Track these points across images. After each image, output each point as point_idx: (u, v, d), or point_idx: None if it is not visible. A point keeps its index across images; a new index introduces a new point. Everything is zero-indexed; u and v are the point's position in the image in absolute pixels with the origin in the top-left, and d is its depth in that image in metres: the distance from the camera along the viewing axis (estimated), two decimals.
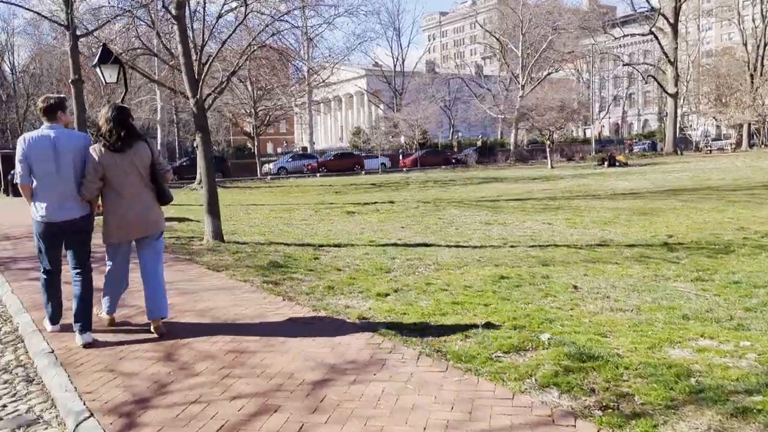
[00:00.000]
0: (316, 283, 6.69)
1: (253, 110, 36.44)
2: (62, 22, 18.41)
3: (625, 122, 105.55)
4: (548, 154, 34.72)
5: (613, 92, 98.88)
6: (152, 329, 4.90)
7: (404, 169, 44.43)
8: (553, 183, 22.78)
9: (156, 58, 34.79)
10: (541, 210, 14.56)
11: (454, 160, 51.90)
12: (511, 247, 9.18)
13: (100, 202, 4.93)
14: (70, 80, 18.24)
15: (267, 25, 26.29)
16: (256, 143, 40.01)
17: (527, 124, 38.46)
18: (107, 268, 4.99)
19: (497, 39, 58.28)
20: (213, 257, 8.41)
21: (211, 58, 10.43)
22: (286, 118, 65.79)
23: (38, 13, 19.13)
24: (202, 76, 10.08)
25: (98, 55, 9.76)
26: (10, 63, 56.40)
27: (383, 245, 9.67)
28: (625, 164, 31.48)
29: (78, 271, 4.78)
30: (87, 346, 4.63)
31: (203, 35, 11.28)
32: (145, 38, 27.02)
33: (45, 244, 4.81)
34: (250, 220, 14.22)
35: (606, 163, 31.74)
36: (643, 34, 43.86)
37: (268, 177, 39.27)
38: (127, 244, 4.96)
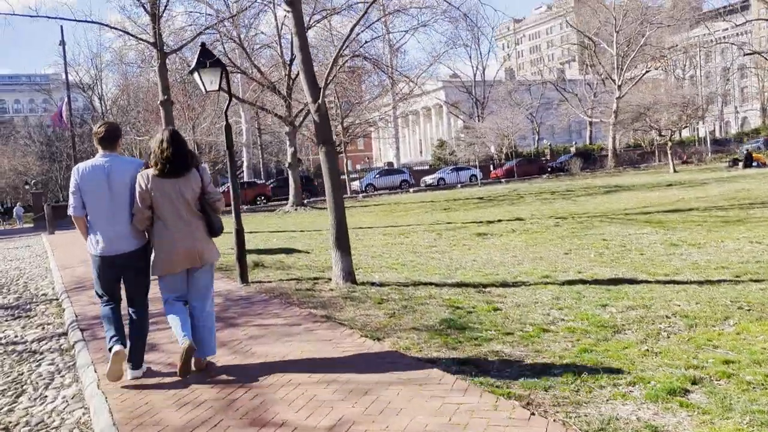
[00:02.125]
0: (537, 361, 4.30)
1: (341, 125, 34.68)
2: (149, 40, 17.13)
3: (721, 121, 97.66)
4: (670, 157, 30.98)
5: (709, 89, 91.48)
6: (193, 366, 4.52)
7: (502, 180, 41.57)
8: (699, 189, 19.47)
9: (240, 77, 34.02)
10: (722, 224, 11.63)
11: (549, 169, 48.53)
12: (755, 281, 6.51)
13: None
14: (158, 101, 16.86)
15: (358, 33, 24.44)
16: (345, 160, 38.29)
17: (642, 124, 34.73)
18: (166, 309, 4.60)
19: (590, 38, 54.43)
20: (356, 311, 6.16)
21: (339, 50, 8.20)
22: (366, 134, 64.54)
23: (126, 32, 17.94)
24: (327, 77, 7.95)
25: (196, 58, 7.84)
26: (98, 95, 57.82)
27: (567, 283, 7.20)
28: (765, 164, 27.45)
29: (134, 309, 4.62)
30: (135, 379, 4.51)
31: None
32: (229, 55, 25.91)
33: (102, 278, 4.58)
34: (368, 249, 12.03)
35: (741, 163, 27.81)
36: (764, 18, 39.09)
37: (360, 195, 37.42)
38: (181, 275, 4.61)
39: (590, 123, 70.21)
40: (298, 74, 25.66)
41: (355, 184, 42.61)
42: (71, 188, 4.49)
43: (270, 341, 5.18)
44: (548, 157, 56.24)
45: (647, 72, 56.52)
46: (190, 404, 3.95)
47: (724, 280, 6.76)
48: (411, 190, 39.56)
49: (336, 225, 7.75)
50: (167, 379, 4.52)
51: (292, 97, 25.13)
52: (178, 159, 4.45)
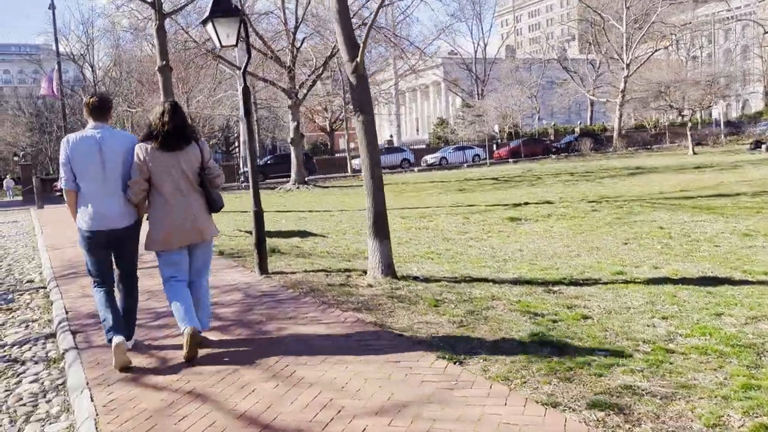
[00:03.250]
0: (696, 405, 3.17)
1: (342, 100, 33.17)
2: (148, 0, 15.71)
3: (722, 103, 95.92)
4: (689, 138, 29.77)
5: (717, 69, 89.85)
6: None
7: (509, 160, 40.33)
8: (734, 173, 18.34)
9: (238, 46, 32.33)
10: None
11: (555, 149, 47.24)
12: None
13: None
14: (156, 67, 15.51)
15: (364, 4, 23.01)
16: (345, 137, 36.87)
17: (662, 103, 33.40)
18: (165, 289, 4.43)
19: (600, 15, 52.77)
20: (411, 316, 4.99)
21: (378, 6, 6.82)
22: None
23: None
24: (367, 33, 6.66)
25: (210, 6, 6.55)
26: (90, 64, 55.91)
27: (650, 282, 6.08)
28: None
29: (124, 283, 4.49)
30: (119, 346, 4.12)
31: None
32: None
33: (93, 255, 4.38)
34: (393, 234, 10.85)
35: (764, 146, 26.71)
36: None
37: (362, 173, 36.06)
38: (180, 251, 4.42)
39: (591, 103, 68.91)
40: (302, 43, 24.24)
41: (355, 162, 41.25)
42: (61, 160, 4.29)
43: (316, 361, 4.02)
44: (552, 138, 54.86)
45: (656, 51, 55.05)
46: None
47: None
48: (416, 169, 38.27)
49: (374, 209, 6.56)
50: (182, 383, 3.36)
51: (295, 68, 23.71)
52: (178, 132, 4.31)
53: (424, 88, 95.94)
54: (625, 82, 49.80)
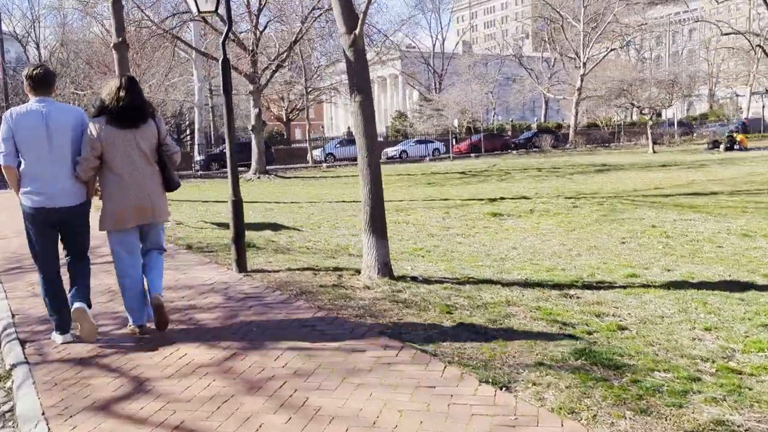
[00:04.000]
0: None
1: (304, 89, 32.18)
2: None
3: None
4: (650, 136, 30.00)
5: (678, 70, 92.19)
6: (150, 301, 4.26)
7: (471, 155, 40.10)
8: (702, 171, 18.35)
9: (194, 26, 30.96)
10: None
11: (513, 144, 47.52)
12: None
13: (98, 185, 4.30)
14: (112, 44, 14.34)
15: None
16: (307, 127, 35.88)
17: (624, 101, 33.64)
18: (116, 266, 4.34)
19: (558, 13, 53.15)
20: (427, 328, 4.34)
21: None
22: (320, 101, 61.70)
23: None
24: (368, 3, 5.92)
25: None
26: (36, 42, 53.06)
27: (670, 286, 5.63)
28: (746, 147, 26.81)
29: (75, 264, 4.24)
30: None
31: None
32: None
33: (38, 237, 4.16)
34: None
35: (722, 146, 27.10)
36: None
37: (323, 164, 35.18)
38: (133, 231, 4.29)
39: (546, 101, 69.69)
40: (266, 27, 23.22)
41: (316, 153, 40.30)
42: (3, 135, 4.00)
43: (332, 385, 3.33)
44: (510, 134, 55.16)
45: (612, 50, 55.91)
46: None
47: None
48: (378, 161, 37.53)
49: (371, 201, 5.86)
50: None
51: (257, 51, 22.65)
52: (135, 108, 4.14)
53: (381, 80, 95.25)
54: (582, 81, 50.57)
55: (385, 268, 5.82)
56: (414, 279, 5.94)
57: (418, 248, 8.07)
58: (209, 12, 6.10)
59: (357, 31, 5.63)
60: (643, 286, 5.67)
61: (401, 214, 11.69)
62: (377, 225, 5.85)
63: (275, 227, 10.15)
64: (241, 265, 6.22)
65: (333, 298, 5.11)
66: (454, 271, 6.45)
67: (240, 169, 33.77)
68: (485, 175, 21.17)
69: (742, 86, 62.84)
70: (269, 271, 6.25)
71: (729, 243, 7.76)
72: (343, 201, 14.69)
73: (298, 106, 51.09)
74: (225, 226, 10.29)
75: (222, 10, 6.21)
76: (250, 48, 22.50)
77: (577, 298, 5.30)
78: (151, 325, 4.43)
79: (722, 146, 27.14)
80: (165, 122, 4.88)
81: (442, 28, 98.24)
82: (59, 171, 4.05)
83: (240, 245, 6.25)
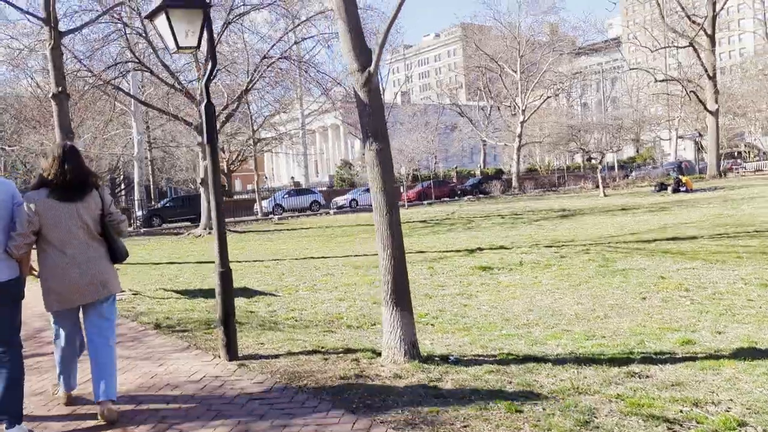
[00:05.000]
0: None
1: (252, 139, 31.14)
2: (40, 15, 13.35)
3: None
4: (600, 180, 30.36)
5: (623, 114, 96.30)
6: (99, 415, 3.89)
7: (423, 203, 39.75)
8: (668, 214, 18.19)
9: (133, 78, 29.63)
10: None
11: (460, 191, 47.83)
12: None
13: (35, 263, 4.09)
14: (50, 95, 13.10)
15: (279, 39, 21.60)
16: (256, 179, 34.68)
17: (574, 146, 34.17)
18: (55, 341, 4.20)
19: (497, 62, 54.68)
20: None
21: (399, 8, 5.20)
22: (264, 152, 60.71)
23: (14, 5, 13.89)
24: (387, 31, 5.08)
25: None
26: None
27: (740, 356, 4.90)
28: (692, 189, 27.41)
29: (3, 349, 3.73)
30: None
31: None
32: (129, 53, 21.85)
33: None
34: (353, 288, 9.22)
35: (669, 188, 27.61)
36: (682, 46, 39.76)
37: (275, 216, 33.88)
38: (75, 310, 4.12)
39: (484, 147, 71.16)
40: (215, 75, 22.24)
41: (264, 204, 39.06)
42: None
43: None
44: (454, 180, 55.57)
45: (548, 98, 57.76)
46: None
47: None
48: (332, 212, 36.66)
49: (393, 269, 4.94)
50: None
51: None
52: (76, 179, 3.97)
53: (322, 130, 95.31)
54: (522, 127, 52.02)
55: (413, 350, 4.87)
56: (445, 360, 5.00)
57: (422, 314, 7.14)
58: (189, 49, 5.16)
59: (371, 68, 4.80)
60: (711, 357, 4.91)
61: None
62: (401, 297, 4.92)
63: (248, 293, 9.02)
64: (232, 352, 5.12)
65: (364, 396, 4.10)
66: (484, 345, 5.55)
67: (183, 224, 32.20)
68: (448, 224, 20.52)
69: (665, 130, 65.96)
70: (267, 357, 5.17)
71: (756, 295, 7.19)
72: (311, 257, 13.64)
73: (239, 158, 49.90)
74: (189, 293, 9.10)
75: (204, 47, 5.25)
76: (198, 98, 21.43)
77: (647, 377, 4.48)
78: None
79: (670, 189, 27.64)
80: (102, 178, 4.45)
81: (381, 79, 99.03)
82: None
83: (230, 327, 5.15)
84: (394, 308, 4.89)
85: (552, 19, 57.66)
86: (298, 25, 22.14)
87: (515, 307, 7.31)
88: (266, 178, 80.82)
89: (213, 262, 5.09)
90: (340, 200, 42.36)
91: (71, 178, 3.93)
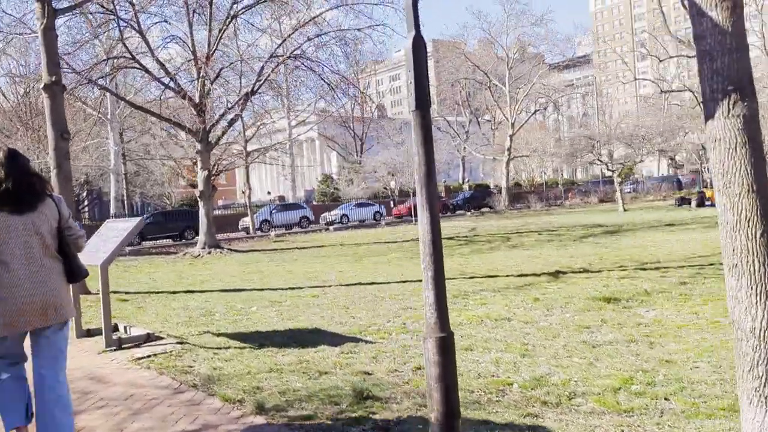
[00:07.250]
0: None
1: (244, 149, 28.78)
2: None
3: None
4: (619, 194, 28.85)
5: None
6: None
7: (414, 219, 37.82)
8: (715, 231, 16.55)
9: (131, 78, 27.12)
10: None
11: (452, 206, 46.34)
12: None
13: None
14: (42, 86, 10.69)
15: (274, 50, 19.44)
16: (248, 192, 32.30)
17: (591, 158, 32.61)
18: None
19: (487, 75, 53.71)
20: None
21: None
22: (240, 166, 58.24)
23: None
24: None
25: None
26: None
27: None
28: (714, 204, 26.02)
29: None
30: None
31: None
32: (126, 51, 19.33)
33: None
34: (476, 339, 7.04)
35: (693, 202, 26.21)
36: (691, 56, 39.04)
37: (272, 234, 31.44)
38: (18, 337, 3.52)
39: (462, 161, 70.01)
40: (218, 75, 19.93)
41: (246, 220, 36.61)
42: None
43: None
44: (444, 194, 53.98)
45: (537, 111, 56.89)
46: None
47: None
48: (331, 227, 34.45)
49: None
50: None
51: (206, 104, 19.23)
52: (23, 188, 3.43)
53: (298, 144, 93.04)
54: (511, 141, 51.04)
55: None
56: None
57: (618, 385, 5.00)
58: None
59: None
60: None
61: (471, 301, 8.57)
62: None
63: (320, 336, 6.74)
64: None
65: None
66: None
67: (166, 242, 29.52)
68: (481, 241, 18.50)
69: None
70: None
71: None
72: (359, 283, 11.38)
73: (218, 169, 47.37)
74: (248, 339, 6.78)
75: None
76: (196, 100, 19.05)
77: None
78: None
79: (694, 203, 26.24)
80: (48, 181, 3.55)
81: (360, 93, 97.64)
82: None
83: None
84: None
85: (541, 31, 57.00)
86: (308, 22, 19.99)
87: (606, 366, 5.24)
88: (244, 192, 78.08)
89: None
90: (330, 215, 40.24)
91: (15, 188, 3.41)
